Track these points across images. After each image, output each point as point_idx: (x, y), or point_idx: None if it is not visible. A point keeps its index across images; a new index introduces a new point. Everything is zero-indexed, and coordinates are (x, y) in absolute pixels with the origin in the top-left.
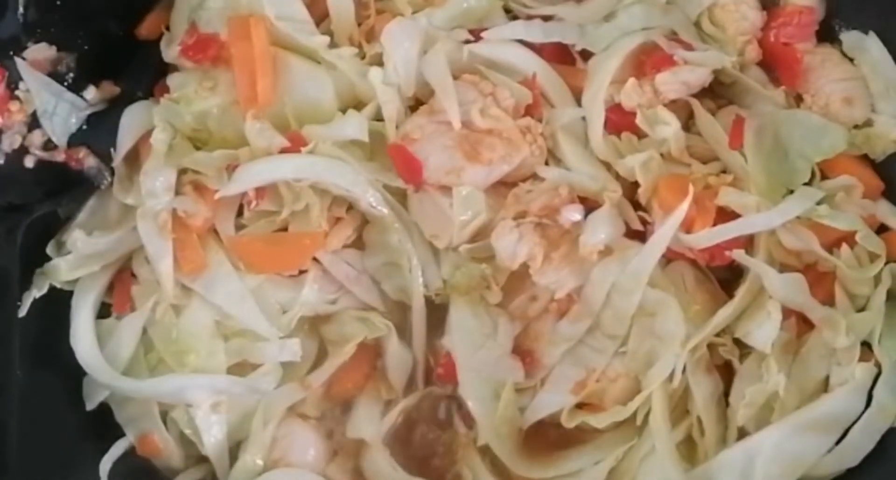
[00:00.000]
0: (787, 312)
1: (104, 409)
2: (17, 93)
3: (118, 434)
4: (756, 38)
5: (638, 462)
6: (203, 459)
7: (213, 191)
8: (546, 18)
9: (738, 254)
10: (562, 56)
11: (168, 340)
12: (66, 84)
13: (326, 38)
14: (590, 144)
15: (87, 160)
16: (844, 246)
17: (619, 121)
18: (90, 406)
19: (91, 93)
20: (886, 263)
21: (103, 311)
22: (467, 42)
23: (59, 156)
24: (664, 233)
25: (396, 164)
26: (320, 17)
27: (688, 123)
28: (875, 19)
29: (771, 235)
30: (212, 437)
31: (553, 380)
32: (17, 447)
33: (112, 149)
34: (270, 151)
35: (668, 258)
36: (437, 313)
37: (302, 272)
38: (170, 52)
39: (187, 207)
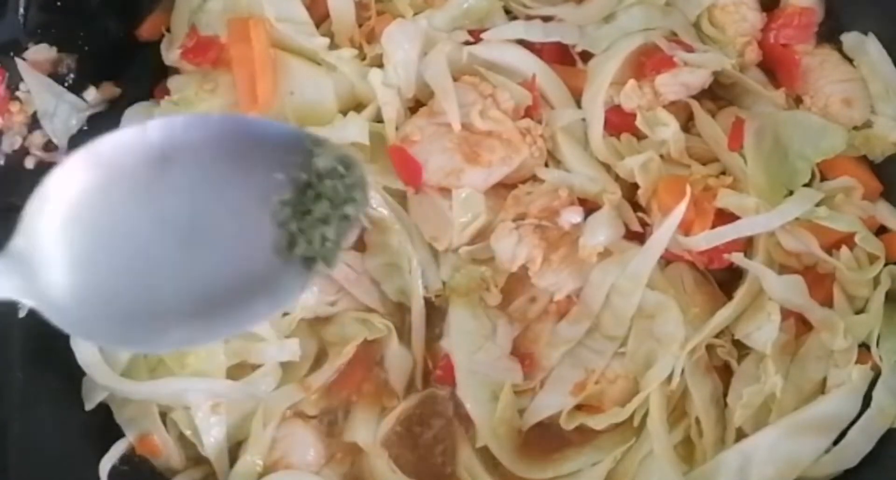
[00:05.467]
0: (785, 313)
1: (104, 410)
2: (17, 94)
3: (118, 434)
4: (756, 39)
5: (637, 463)
6: (202, 459)
7: None
8: (546, 19)
9: (737, 258)
10: (562, 57)
11: None
12: (66, 85)
13: (326, 40)
14: (589, 146)
15: None
16: (844, 248)
17: (619, 122)
18: (89, 406)
19: (91, 94)
20: (886, 265)
21: None
22: (467, 43)
23: (60, 158)
24: (662, 235)
25: (396, 166)
26: (320, 19)
27: (687, 125)
28: (875, 21)
29: (770, 237)
30: (211, 438)
31: (552, 382)
32: (17, 447)
33: None
34: None
35: (668, 260)
36: (436, 315)
37: None
38: (170, 55)
39: None
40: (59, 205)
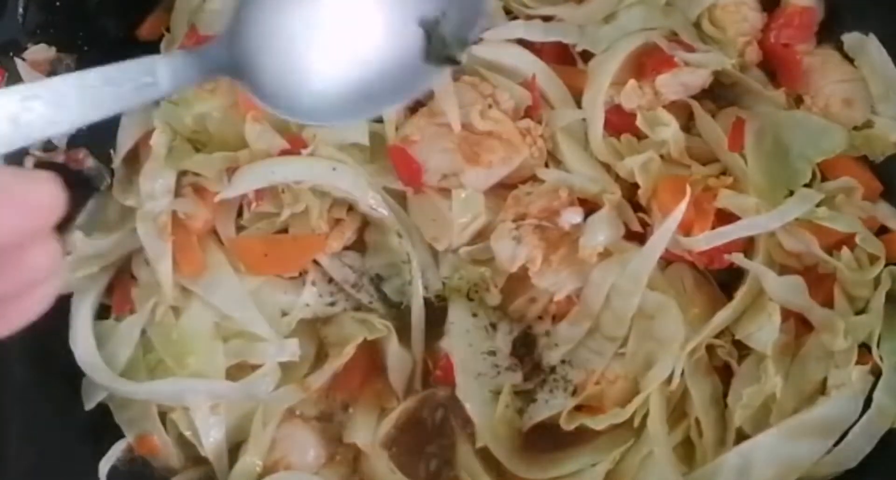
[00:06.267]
0: (785, 314)
1: (104, 410)
2: None
3: (117, 434)
4: (756, 39)
5: (637, 463)
6: (202, 460)
7: (212, 193)
8: (546, 19)
9: (737, 258)
10: (562, 57)
11: (168, 342)
12: None
13: None
14: (589, 146)
15: (87, 161)
16: (844, 249)
17: (619, 122)
18: (88, 406)
19: None
20: (886, 265)
21: (103, 313)
22: None
23: (59, 157)
24: (662, 235)
25: (396, 166)
26: None
27: (688, 125)
28: (876, 20)
29: (770, 237)
30: (211, 438)
31: (552, 382)
32: (17, 447)
33: (111, 151)
34: (270, 153)
35: (668, 260)
36: (436, 315)
37: (302, 273)
38: None
39: (187, 209)
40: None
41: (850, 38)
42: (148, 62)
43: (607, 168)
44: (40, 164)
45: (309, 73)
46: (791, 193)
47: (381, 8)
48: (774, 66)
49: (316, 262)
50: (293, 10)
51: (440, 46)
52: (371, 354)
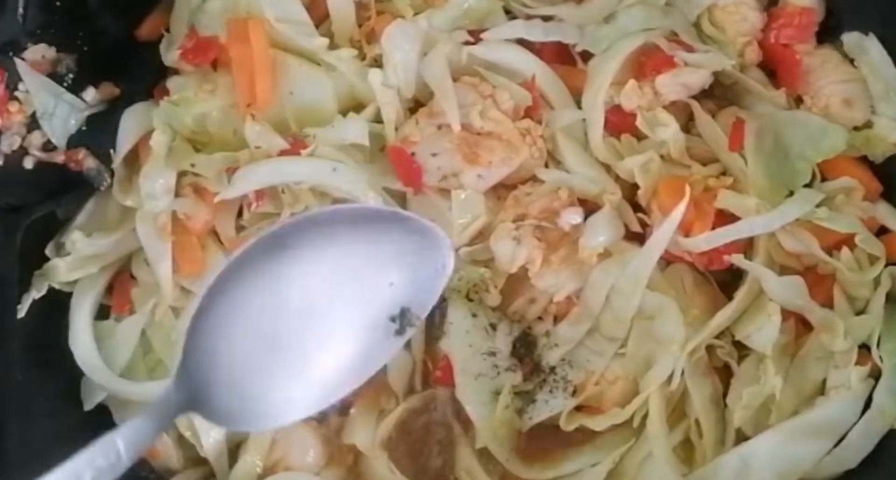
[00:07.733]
0: (785, 314)
1: (103, 410)
2: (16, 93)
3: None
4: (756, 39)
5: (636, 464)
6: (201, 460)
7: (212, 193)
8: (546, 19)
9: (737, 259)
10: (562, 57)
11: (167, 342)
12: (65, 85)
13: (326, 40)
14: (589, 146)
15: (87, 161)
16: (844, 249)
17: (619, 122)
18: (88, 406)
19: (91, 94)
20: (886, 266)
21: (103, 313)
22: (467, 43)
23: (59, 158)
24: (662, 235)
25: (396, 167)
26: (320, 19)
27: (687, 125)
28: (875, 21)
29: (770, 237)
30: (210, 439)
31: (552, 383)
32: (17, 447)
33: (111, 151)
34: (270, 154)
35: (668, 261)
36: (436, 315)
37: None
38: (169, 56)
39: (187, 209)
40: (210, 319)
41: (850, 38)
42: (108, 442)
43: (607, 168)
44: (40, 164)
45: (267, 388)
46: (791, 193)
47: (344, 315)
48: (774, 66)
49: None
50: (242, 332)
51: (409, 324)
52: None
